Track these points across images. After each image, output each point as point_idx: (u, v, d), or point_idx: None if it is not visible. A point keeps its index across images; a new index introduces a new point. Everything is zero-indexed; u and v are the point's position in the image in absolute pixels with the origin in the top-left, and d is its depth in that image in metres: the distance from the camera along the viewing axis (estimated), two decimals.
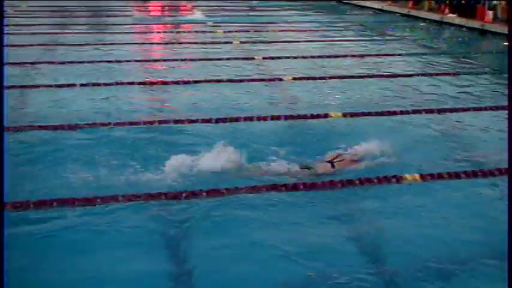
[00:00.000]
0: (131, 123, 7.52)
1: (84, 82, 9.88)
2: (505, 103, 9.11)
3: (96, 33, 17.39)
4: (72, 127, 7.27)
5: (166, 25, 20.20)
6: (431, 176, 5.82)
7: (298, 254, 4.32)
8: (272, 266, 4.20)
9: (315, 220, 4.98)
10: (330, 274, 4.08)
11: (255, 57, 13.29)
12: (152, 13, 23.76)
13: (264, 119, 7.89)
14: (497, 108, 8.84)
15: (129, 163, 5.93)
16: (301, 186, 5.47)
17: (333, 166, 5.94)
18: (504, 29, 18.82)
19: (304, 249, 4.41)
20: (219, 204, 5.13)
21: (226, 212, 5.04)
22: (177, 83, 10.39)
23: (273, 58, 13.27)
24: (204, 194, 5.23)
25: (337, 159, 5.99)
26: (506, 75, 11.95)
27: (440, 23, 22.18)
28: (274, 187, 5.43)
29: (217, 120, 7.71)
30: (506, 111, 8.71)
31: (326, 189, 5.53)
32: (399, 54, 14.43)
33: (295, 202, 5.28)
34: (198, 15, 22.38)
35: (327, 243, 4.57)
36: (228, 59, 12.93)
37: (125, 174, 5.67)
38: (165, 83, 10.35)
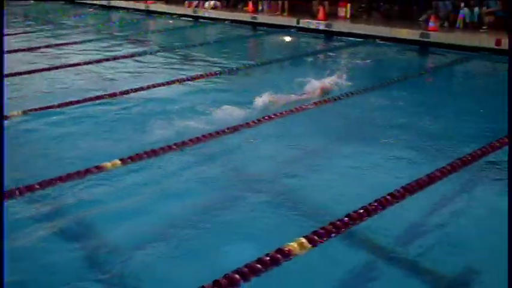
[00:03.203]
0: None
1: None
2: (182, 75, 9.81)
3: None
4: None
5: None
6: (132, 158, 5.87)
7: None
8: None
9: None
10: None
11: None
12: None
13: None
14: (177, 81, 9.45)
15: None
16: None
17: None
18: (165, 8, 20.06)
19: None
20: None
21: None
22: None
23: None
24: None
25: None
26: (176, 50, 12.85)
27: (108, 7, 22.43)
28: None
29: None
30: (189, 82, 9.42)
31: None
32: (74, 43, 14.14)
33: None
34: None
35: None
36: None
37: None
38: None
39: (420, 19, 14.83)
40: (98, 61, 11.66)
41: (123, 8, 21.57)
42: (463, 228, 4.52)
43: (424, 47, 12.72)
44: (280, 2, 16.80)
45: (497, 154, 5.84)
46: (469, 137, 6.56)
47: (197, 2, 19.17)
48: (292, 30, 15.70)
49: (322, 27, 15.13)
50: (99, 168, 5.50)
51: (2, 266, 2.58)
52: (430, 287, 3.91)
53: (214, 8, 18.76)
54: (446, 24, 13.77)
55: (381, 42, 13.47)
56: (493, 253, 4.10)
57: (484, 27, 12.78)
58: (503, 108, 8.38)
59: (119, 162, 5.68)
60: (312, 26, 15.36)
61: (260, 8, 17.78)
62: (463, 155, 5.59)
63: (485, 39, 11.99)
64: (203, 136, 6.39)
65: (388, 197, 4.56)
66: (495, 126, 7.11)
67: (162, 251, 4.25)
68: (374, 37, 13.72)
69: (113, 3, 22.34)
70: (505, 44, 11.46)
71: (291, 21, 15.95)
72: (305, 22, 15.57)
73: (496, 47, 11.58)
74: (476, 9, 13.36)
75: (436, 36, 12.84)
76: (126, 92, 8.80)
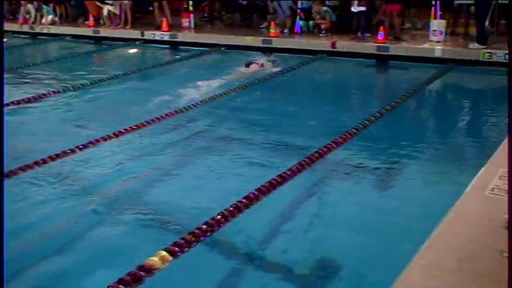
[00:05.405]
0: None
1: None
2: (22, 97, 9.20)
3: None
4: None
5: None
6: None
7: None
8: None
9: None
10: None
11: None
12: None
13: None
14: (17, 102, 8.84)
15: None
16: None
17: None
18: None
19: None
20: None
21: None
22: None
23: None
24: None
25: None
26: (13, 70, 12.04)
27: None
28: None
29: None
30: (30, 104, 8.85)
31: None
32: None
33: None
34: None
35: None
36: None
37: None
38: None
39: (261, 26, 15.38)
40: None
41: None
42: (319, 225, 4.74)
43: (267, 53, 13.22)
44: (122, 15, 16.47)
45: (343, 149, 6.24)
46: (315, 135, 6.92)
47: (33, 18, 18.14)
48: (138, 42, 15.51)
49: (167, 38, 15.12)
50: None
51: (2, 265, 2.43)
52: (294, 286, 4.05)
53: (53, 23, 17.88)
54: (286, 30, 14.43)
55: (227, 50, 13.77)
56: (351, 247, 4.31)
57: (323, 32, 13.58)
58: (342, 105, 9.05)
59: None
60: (157, 38, 15.29)
61: (102, 21, 17.28)
62: (311, 153, 5.89)
63: (323, 43, 12.77)
64: (49, 157, 6.05)
65: (243, 200, 4.66)
66: (336, 123, 7.60)
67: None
68: (220, 46, 13.98)
69: None
70: (340, 46, 12.33)
71: (135, 33, 15.74)
72: (150, 34, 15.45)
73: (332, 49, 12.40)
74: (311, 22, 14.22)
75: (278, 42, 13.41)
76: None
